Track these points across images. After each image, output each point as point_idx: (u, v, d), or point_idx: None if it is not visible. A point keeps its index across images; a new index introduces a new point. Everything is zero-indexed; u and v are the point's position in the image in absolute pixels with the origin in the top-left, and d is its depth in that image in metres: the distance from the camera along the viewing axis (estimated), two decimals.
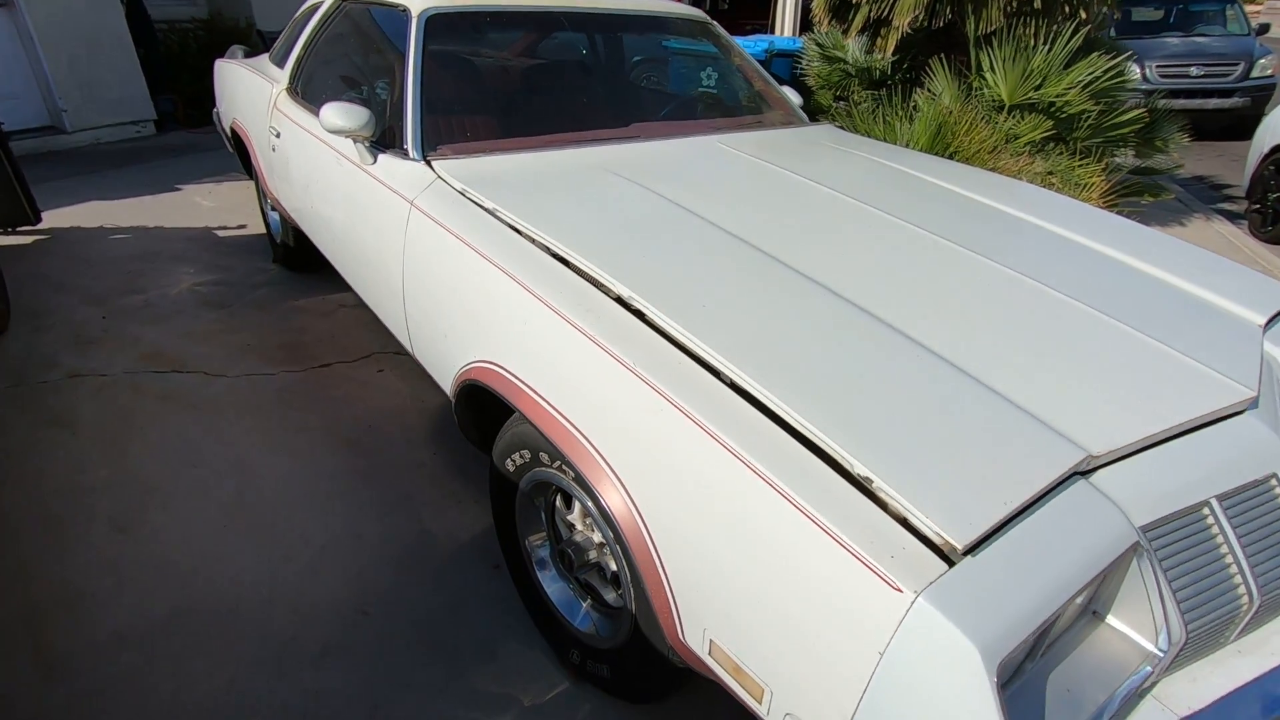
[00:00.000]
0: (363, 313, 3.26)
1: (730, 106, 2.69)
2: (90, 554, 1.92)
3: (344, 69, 2.67)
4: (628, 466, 1.18)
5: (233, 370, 2.79)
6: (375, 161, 2.02)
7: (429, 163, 1.88)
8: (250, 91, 3.21)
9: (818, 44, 5.47)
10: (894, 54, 4.33)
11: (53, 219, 4.13)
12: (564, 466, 1.40)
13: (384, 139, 2.08)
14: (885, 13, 4.05)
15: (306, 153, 2.46)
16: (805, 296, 1.33)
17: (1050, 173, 3.51)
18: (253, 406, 2.57)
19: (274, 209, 3.60)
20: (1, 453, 2.27)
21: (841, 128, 3.57)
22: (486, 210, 1.66)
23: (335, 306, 3.36)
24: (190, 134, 6.44)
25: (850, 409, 1.04)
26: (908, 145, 3.41)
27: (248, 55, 4.38)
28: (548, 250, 1.50)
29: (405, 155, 1.94)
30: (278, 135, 2.76)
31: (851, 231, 1.64)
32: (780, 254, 1.46)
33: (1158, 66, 8.25)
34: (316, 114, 2.45)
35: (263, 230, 4.10)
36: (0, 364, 2.74)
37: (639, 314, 1.28)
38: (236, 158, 4.23)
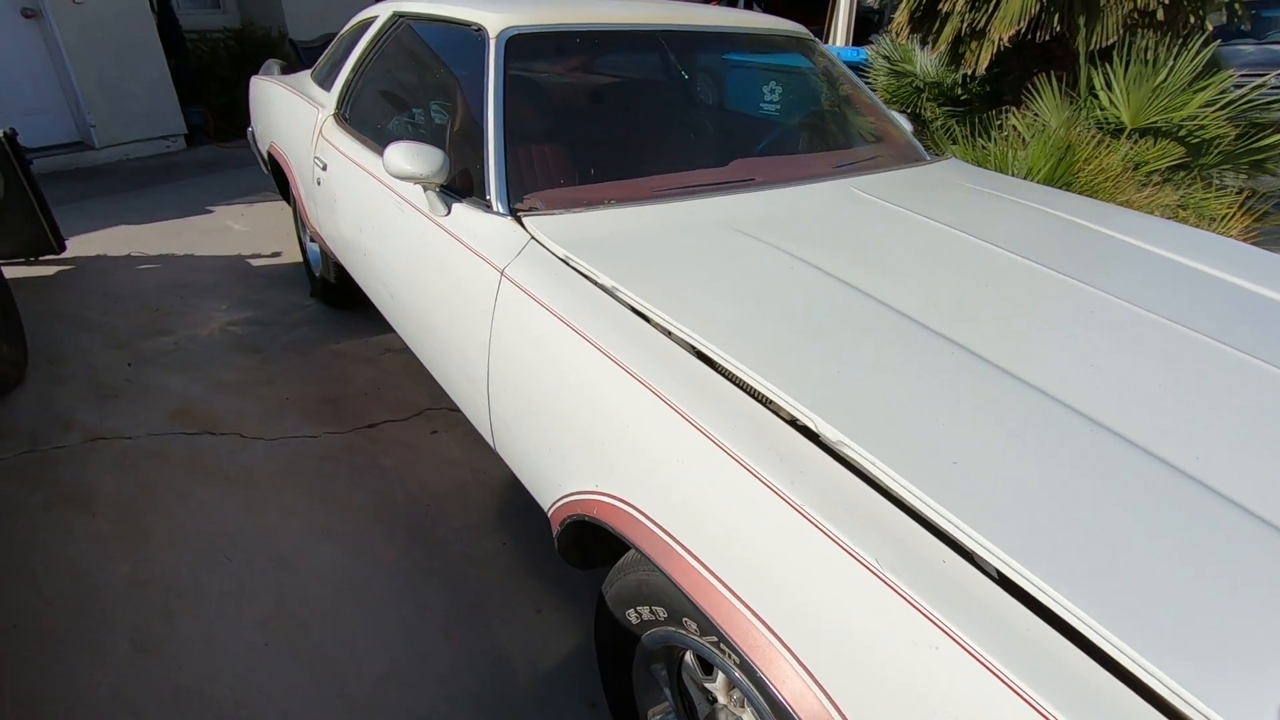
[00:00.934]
0: (410, 360, 2.93)
1: (837, 136, 2.33)
2: (105, 683, 1.60)
3: (400, 95, 2.35)
4: (841, 685, 0.83)
5: (271, 431, 2.47)
6: (449, 213, 1.69)
7: (519, 219, 1.54)
8: (291, 115, 2.90)
9: (884, 56, 5.10)
10: (979, 69, 3.94)
11: (78, 246, 3.87)
12: (723, 646, 1.05)
13: (456, 183, 1.75)
14: (981, 24, 3.67)
15: (359, 191, 2.14)
16: (1070, 436, 0.96)
17: (1181, 205, 3.11)
18: (294, 479, 2.25)
19: (313, 240, 3.30)
20: (5, 540, 1.96)
21: (929, 147, 3.19)
22: (603, 289, 1.31)
23: (380, 351, 3.04)
24: (221, 148, 6.20)
25: (1221, 649, 0.68)
26: (1027, 176, 3.02)
27: (284, 71, 4.12)
28: (695, 351, 1.15)
29: (488, 208, 1.60)
30: (324, 167, 2.45)
31: (1084, 328, 1.27)
32: (1013, 366, 1.10)
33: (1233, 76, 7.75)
34: (371, 147, 2.14)
35: (299, 259, 3.81)
36: (12, 423, 2.45)
37: (850, 465, 0.92)
38: (270, 177, 3.96)
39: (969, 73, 3.96)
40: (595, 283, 1.33)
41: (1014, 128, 3.70)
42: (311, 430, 2.50)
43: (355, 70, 2.48)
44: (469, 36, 1.93)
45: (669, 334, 1.20)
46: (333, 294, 3.27)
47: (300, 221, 3.41)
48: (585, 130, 1.85)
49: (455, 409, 2.60)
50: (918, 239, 1.57)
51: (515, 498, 2.21)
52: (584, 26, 1.91)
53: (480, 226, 1.58)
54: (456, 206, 1.68)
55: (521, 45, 1.83)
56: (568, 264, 1.39)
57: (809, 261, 1.38)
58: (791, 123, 2.30)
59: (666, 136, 2.00)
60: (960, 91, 4.97)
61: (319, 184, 2.52)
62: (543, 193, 1.65)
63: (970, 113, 4.89)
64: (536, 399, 1.36)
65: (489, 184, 1.62)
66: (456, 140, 1.95)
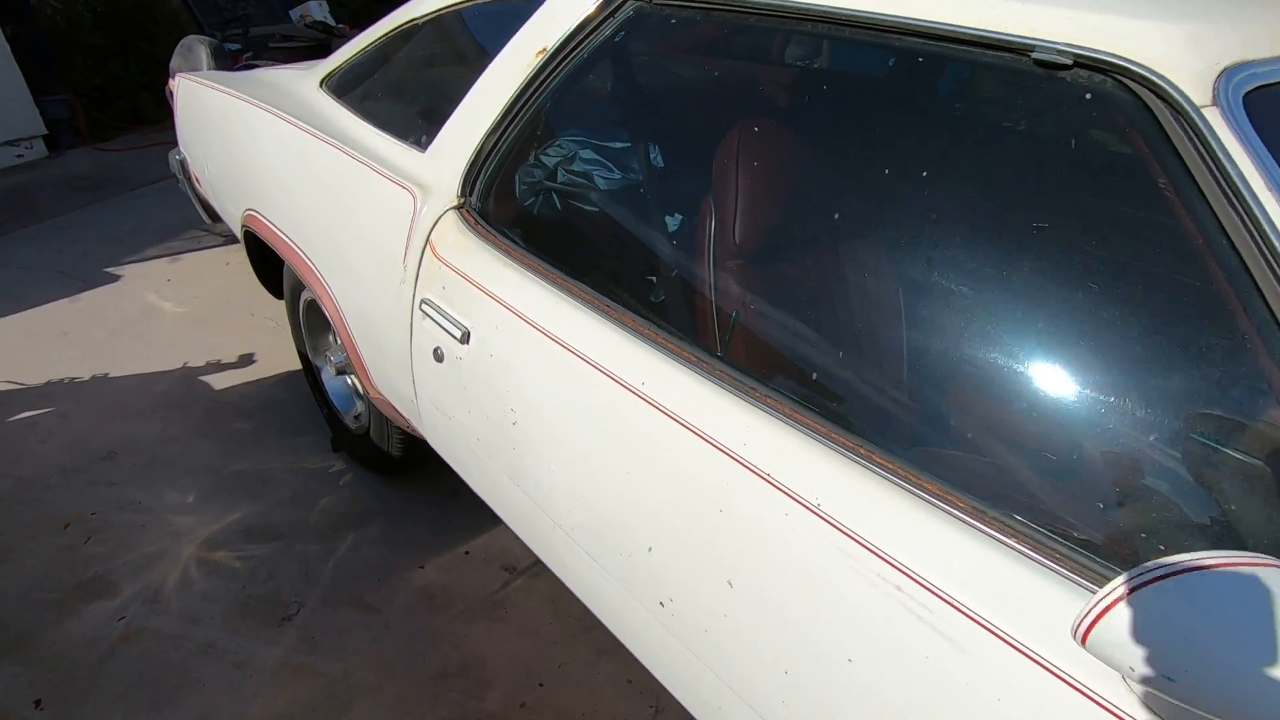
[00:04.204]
0: (560, 592, 1.66)
1: None
2: None
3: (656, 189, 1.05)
4: None
5: None
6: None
7: None
8: (322, 183, 1.50)
9: None
10: None
11: None
12: None
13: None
14: None
15: (644, 465, 0.87)
16: None
17: None
18: None
19: (342, 372, 1.97)
20: None
21: None
22: None
23: (499, 576, 1.76)
24: (100, 152, 4.42)
25: None
26: None
27: (217, 55, 2.65)
28: None
29: None
30: (463, 338, 1.12)
31: None
32: None
33: None
34: (707, 371, 0.86)
35: (289, 364, 2.40)
36: None
37: None
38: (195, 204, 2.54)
39: None
40: None
41: None
42: None
43: (515, 110, 1.12)
44: (1026, 78, 0.68)
45: None
46: (379, 458, 1.94)
47: (308, 341, 2.02)
48: None
49: None
50: None
51: None
52: None
53: None
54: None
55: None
56: None
57: None
58: None
59: None
60: None
61: (439, 359, 1.19)
62: None
63: None
64: None
65: None
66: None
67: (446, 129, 1.24)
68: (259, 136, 1.74)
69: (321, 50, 5.94)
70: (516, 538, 1.29)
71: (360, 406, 1.98)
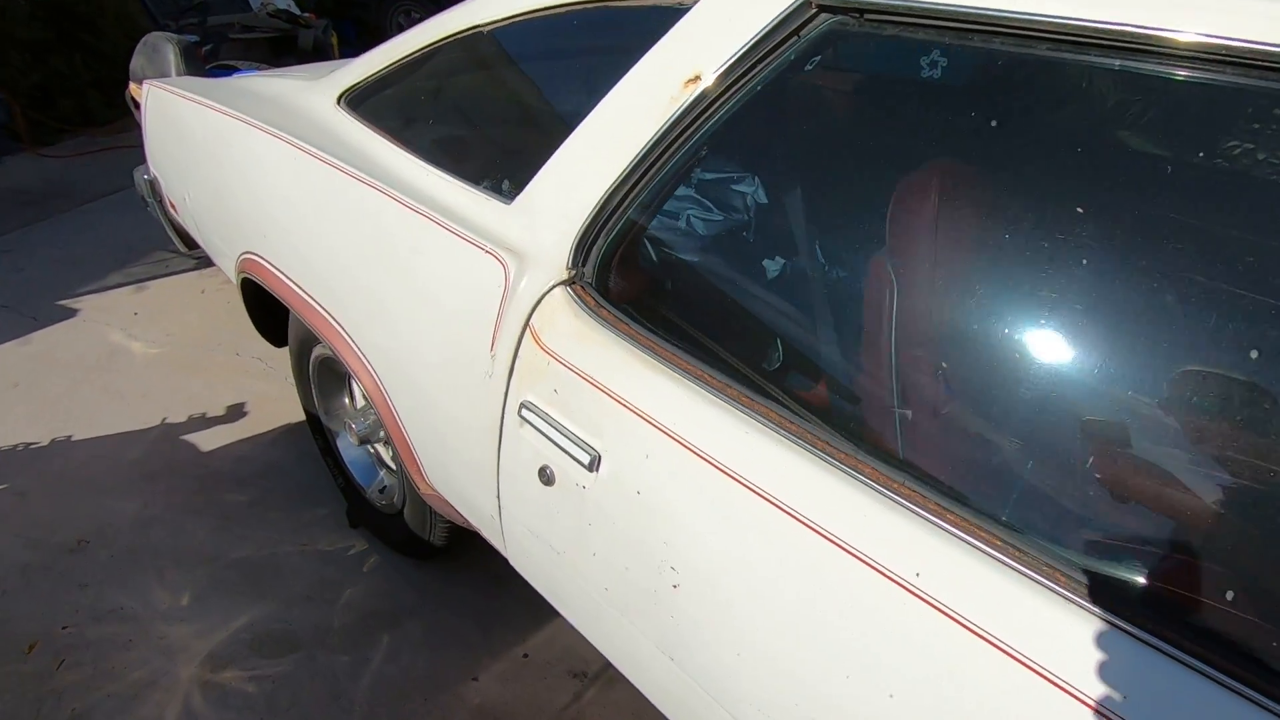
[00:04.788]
0: (630, 698, 1.39)
1: None
2: None
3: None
4: None
5: None
6: None
7: None
8: (356, 228, 1.18)
9: None
10: None
11: None
12: None
13: None
14: None
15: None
16: None
17: None
18: None
19: (365, 441, 1.66)
20: None
21: None
22: None
23: (564, 683, 1.49)
24: (44, 159, 3.95)
25: None
26: None
27: (186, 55, 2.31)
28: None
29: None
30: (592, 464, 0.83)
31: None
32: None
33: None
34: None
35: (287, 415, 2.08)
36: None
37: None
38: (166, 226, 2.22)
39: None
40: None
41: None
42: None
43: (656, 157, 0.84)
44: None
45: None
46: (418, 545, 1.63)
47: (320, 403, 1.70)
48: None
49: None
50: None
51: None
52: None
53: None
54: None
55: None
56: None
57: None
58: None
59: None
60: None
61: (547, 481, 0.90)
62: None
63: None
64: None
65: None
66: None
67: (545, 176, 0.95)
68: (263, 166, 1.41)
69: (287, 42, 5.51)
70: (581, 635, 1.03)
71: (388, 479, 1.68)
